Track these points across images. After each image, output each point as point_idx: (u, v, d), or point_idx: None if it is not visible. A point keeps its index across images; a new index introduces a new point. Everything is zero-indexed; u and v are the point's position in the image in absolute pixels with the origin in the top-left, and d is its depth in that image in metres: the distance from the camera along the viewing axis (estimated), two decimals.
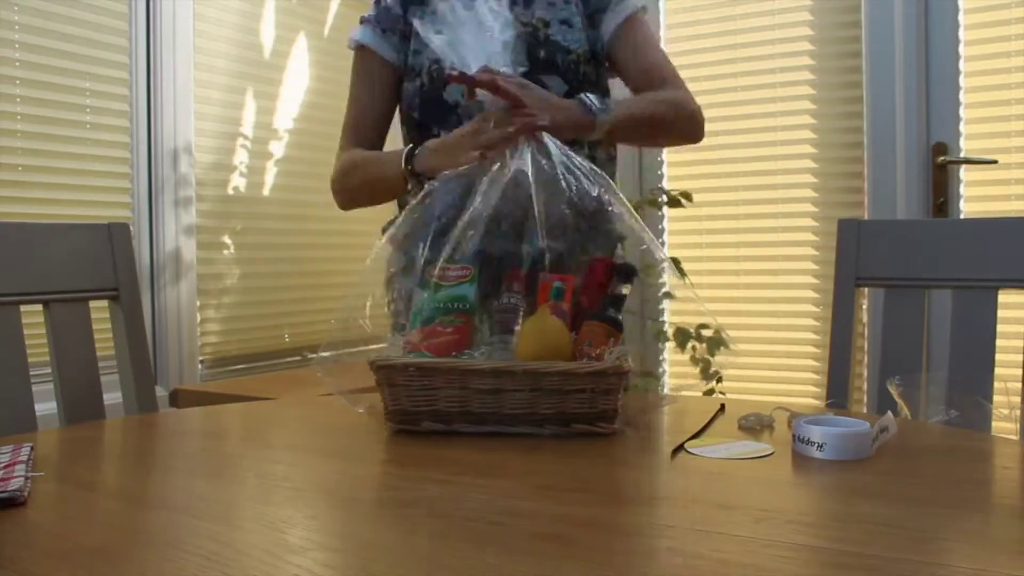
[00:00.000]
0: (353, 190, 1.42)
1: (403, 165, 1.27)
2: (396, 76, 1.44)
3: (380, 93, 1.45)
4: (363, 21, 1.46)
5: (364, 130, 1.45)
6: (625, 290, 1.07)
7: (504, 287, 1.10)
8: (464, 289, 1.07)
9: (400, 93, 1.45)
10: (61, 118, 2.17)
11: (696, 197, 2.49)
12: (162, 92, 2.39)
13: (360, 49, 1.45)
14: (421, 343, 1.04)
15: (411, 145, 1.30)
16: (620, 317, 1.06)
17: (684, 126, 1.43)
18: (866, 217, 2.47)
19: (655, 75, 1.43)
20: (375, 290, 1.16)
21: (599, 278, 1.09)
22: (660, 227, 2.79)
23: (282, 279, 2.80)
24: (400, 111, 1.48)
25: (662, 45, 2.73)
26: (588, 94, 1.26)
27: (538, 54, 1.36)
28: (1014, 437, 1.14)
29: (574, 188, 1.08)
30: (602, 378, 0.98)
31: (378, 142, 1.47)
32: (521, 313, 1.08)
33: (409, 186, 1.29)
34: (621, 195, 1.11)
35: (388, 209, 1.46)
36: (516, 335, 1.05)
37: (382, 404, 1.04)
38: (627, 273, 1.08)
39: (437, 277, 1.08)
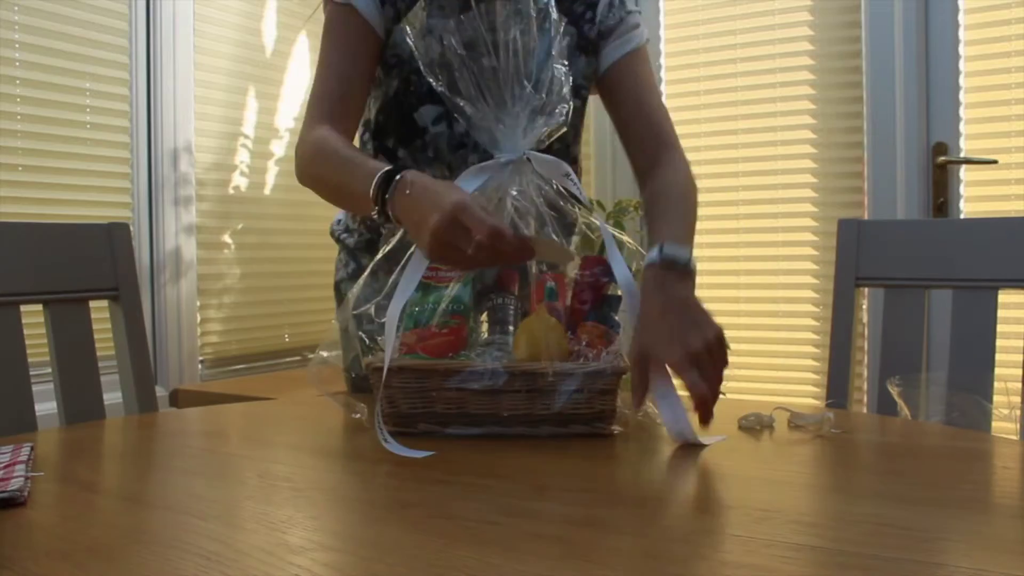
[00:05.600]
0: (319, 181, 1.19)
1: (371, 194, 1.02)
2: (379, 49, 1.24)
3: (363, 65, 1.23)
4: None
5: (342, 105, 1.22)
6: (620, 291, 1.07)
7: (498, 288, 1.10)
8: (458, 290, 1.06)
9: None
10: (61, 118, 2.17)
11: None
12: (162, 92, 2.39)
13: (347, 7, 1.21)
14: (416, 345, 1.04)
15: (387, 171, 1.02)
16: (616, 317, 1.06)
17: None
18: (866, 217, 2.47)
19: (654, 128, 1.28)
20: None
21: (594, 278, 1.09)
22: None
23: (282, 279, 2.80)
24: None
25: (660, 46, 2.76)
26: (669, 244, 1.04)
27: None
28: (1014, 437, 1.14)
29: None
30: (599, 378, 0.98)
31: (356, 119, 1.25)
32: (516, 314, 1.08)
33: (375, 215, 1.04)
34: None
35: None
36: (512, 336, 1.05)
37: (376, 407, 1.04)
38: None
39: (431, 279, 1.07)
